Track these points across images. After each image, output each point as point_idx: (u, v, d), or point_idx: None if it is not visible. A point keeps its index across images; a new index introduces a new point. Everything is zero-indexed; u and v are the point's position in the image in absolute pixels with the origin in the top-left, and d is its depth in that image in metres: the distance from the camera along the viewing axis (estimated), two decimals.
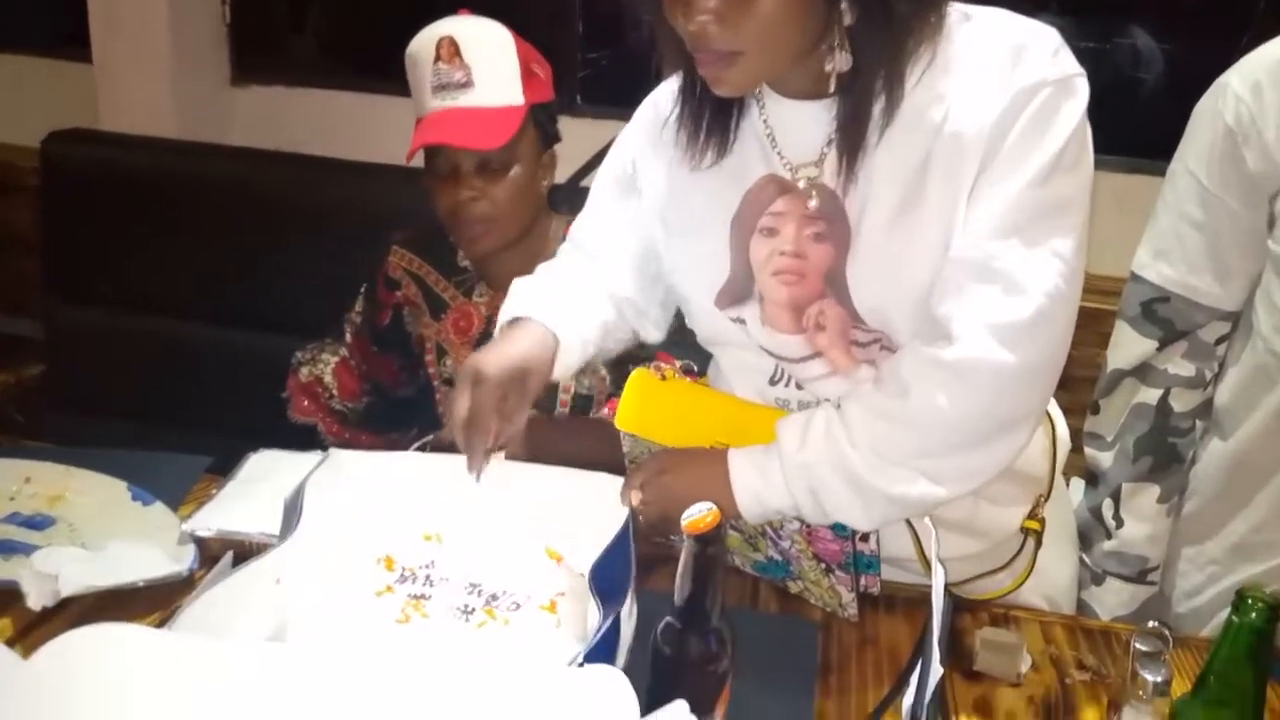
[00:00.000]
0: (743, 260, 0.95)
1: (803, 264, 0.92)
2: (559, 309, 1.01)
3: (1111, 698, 0.92)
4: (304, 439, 1.54)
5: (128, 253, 1.94)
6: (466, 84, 1.29)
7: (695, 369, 1.22)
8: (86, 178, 1.93)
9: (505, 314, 1.02)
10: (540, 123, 1.36)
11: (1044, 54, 0.84)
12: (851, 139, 0.85)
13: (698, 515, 0.72)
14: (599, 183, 1.11)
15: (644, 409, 1.03)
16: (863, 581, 1.00)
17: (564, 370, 1.01)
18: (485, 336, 1.44)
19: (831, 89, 0.85)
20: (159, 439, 1.36)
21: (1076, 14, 1.89)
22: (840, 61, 0.82)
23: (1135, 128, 1.92)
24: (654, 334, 1.14)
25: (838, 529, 0.93)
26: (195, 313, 1.94)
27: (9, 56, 2.42)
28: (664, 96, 1.01)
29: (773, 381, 0.99)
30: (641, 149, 1.03)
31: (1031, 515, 1.04)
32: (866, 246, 0.89)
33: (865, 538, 0.96)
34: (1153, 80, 2.18)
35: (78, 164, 1.94)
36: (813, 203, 0.90)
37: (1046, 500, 1.06)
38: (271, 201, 1.91)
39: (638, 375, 1.05)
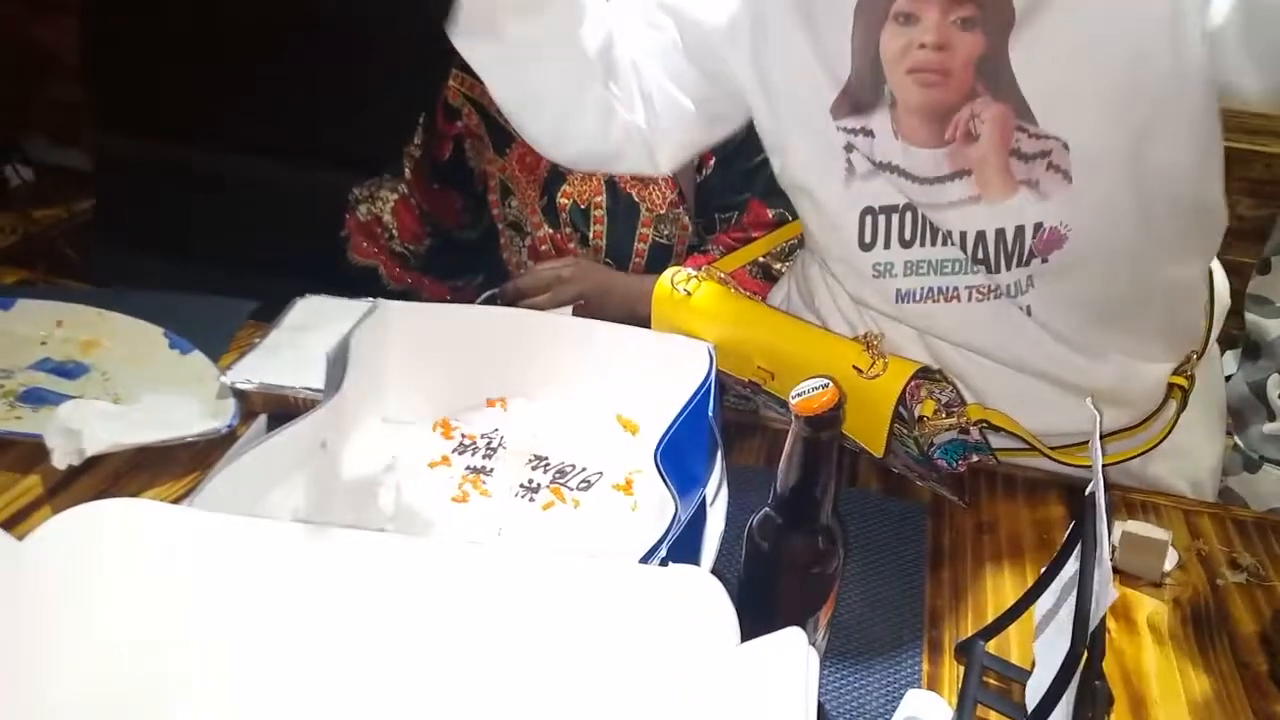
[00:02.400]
0: (869, 57, 0.77)
1: (947, 58, 0.74)
2: None
3: (1276, 605, 0.79)
4: (364, 282, 1.45)
5: (177, 79, 1.81)
6: None
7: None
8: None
9: None
10: None
11: None
12: None
13: (810, 392, 0.59)
14: None
15: (676, 324, 0.89)
16: (974, 457, 0.88)
17: None
18: (554, 175, 1.30)
19: None
20: (212, 278, 1.27)
21: None
22: None
23: None
24: (669, 154, 0.93)
25: (918, 459, 0.81)
26: (249, 144, 1.82)
27: None
28: None
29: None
30: None
31: (1179, 372, 0.90)
32: (1041, 19, 0.71)
33: (965, 430, 0.83)
34: None
35: None
36: None
37: (1199, 358, 0.91)
38: (330, 25, 1.75)
39: (658, 290, 0.90)
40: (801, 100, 0.82)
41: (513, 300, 1.27)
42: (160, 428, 0.85)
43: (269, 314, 1.10)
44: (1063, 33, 0.71)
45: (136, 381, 0.95)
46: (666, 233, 1.26)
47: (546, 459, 0.75)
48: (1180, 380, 0.90)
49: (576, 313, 1.13)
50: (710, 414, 0.76)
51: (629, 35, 0.85)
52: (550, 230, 1.31)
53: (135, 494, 0.84)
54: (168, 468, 0.86)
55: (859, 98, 0.79)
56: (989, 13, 0.72)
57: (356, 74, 1.70)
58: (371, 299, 1.02)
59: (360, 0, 1.74)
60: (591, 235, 1.29)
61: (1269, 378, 1.04)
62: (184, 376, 0.96)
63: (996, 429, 0.86)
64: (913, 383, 0.80)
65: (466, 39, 0.81)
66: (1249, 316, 1.07)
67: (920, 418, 0.80)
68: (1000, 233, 0.79)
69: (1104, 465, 0.86)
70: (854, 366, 0.79)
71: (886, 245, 0.82)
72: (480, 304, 1.32)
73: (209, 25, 1.77)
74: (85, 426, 0.82)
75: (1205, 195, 0.80)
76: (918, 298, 0.83)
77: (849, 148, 0.81)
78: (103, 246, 1.90)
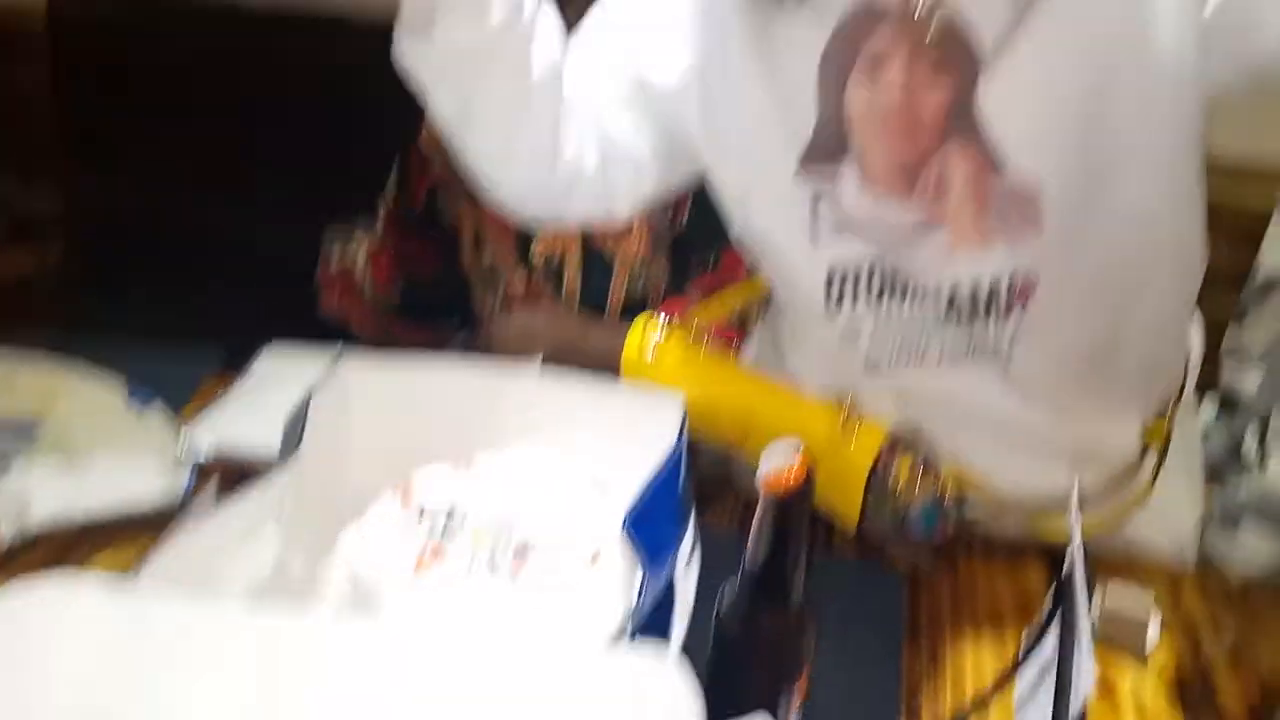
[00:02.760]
0: (834, 110, 0.76)
1: (915, 107, 0.73)
2: None
3: (1262, 677, 0.77)
4: (336, 331, 1.43)
5: (151, 121, 1.79)
6: None
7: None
8: (101, 37, 1.78)
9: None
10: None
11: None
12: None
13: (780, 460, 0.57)
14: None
15: (648, 369, 0.87)
16: (951, 522, 0.85)
17: None
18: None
19: None
20: (184, 324, 1.25)
21: None
22: None
23: None
24: (626, 200, 0.90)
25: (894, 525, 0.80)
26: (224, 189, 1.81)
27: None
28: None
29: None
30: None
31: (1156, 422, 0.88)
32: (1007, 65, 0.70)
33: (942, 495, 0.81)
34: None
35: (91, 23, 1.78)
36: (933, 24, 0.71)
37: (1176, 406, 0.89)
38: (305, 68, 1.75)
39: (627, 351, 0.89)
40: (764, 154, 0.81)
41: (486, 350, 1.25)
42: (111, 496, 0.83)
43: (239, 360, 1.08)
44: (1031, 74, 0.71)
45: (91, 440, 0.92)
46: (642, 283, 1.25)
47: (510, 528, 0.73)
48: (1158, 431, 0.88)
49: (546, 363, 1.12)
50: (682, 478, 0.74)
51: (582, 78, 0.83)
52: (523, 280, 1.30)
53: (85, 560, 0.81)
54: (122, 530, 0.84)
55: (825, 150, 0.77)
56: (957, 59, 0.72)
57: (329, 122, 1.69)
58: (340, 347, 1.00)
59: (332, 48, 1.73)
60: (565, 283, 1.27)
61: (1245, 432, 1.03)
62: (141, 434, 0.93)
63: (973, 493, 0.84)
64: (887, 447, 0.78)
65: (410, 44, 0.79)
66: (1225, 369, 1.06)
67: (895, 485, 0.78)
68: (976, 285, 0.77)
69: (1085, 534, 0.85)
70: (827, 430, 0.77)
71: (855, 305, 0.80)
72: (452, 349, 1.31)
73: (182, 72, 1.76)
74: (33, 496, 0.79)
75: (1181, 232, 0.79)
76: (888, 359, 0.81)
77: (815, 201, 0.79)
78: (72, 290, 1.87)
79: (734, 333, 1.20)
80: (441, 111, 0.82)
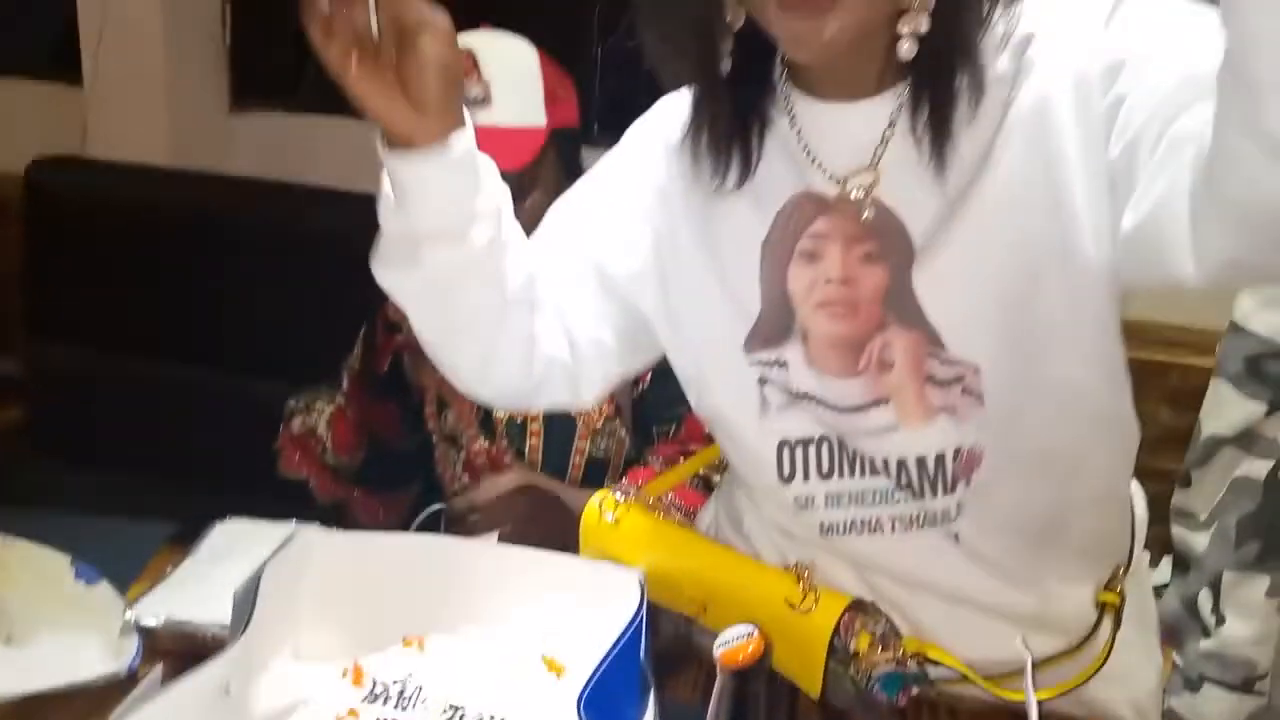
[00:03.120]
0: (777, 293, 0.79)
1: (852, 292, 0.77)
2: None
3: None
4: (294, 495, 1.41)
5: (116, 289, 1.83)
6: (484, 100, 1.17)
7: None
8: (74, 208, 1.83)
9: None
10: (562, 150, 1.23)
11: None
12: (937, 126, 0.72)
13: (734, 643, 0.57)
14: (593, 198, 0.91)
15: (605, 553, 0.87)
16: (914, 689, 0.84)
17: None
18: None
19: (906, 51, 0.71)
20: (140, 489, 1.24)
21: None
22: (920, 23, 0.69)
23: None
24: (592, 386, 0.91)
25: (856, 694, 0.79)
26: (186, 355, 1.83)
27: None
28: (667, 117, 0.86)
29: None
30: (655, 169, 0.86)
31: (1109, 587, 0.88)
32: (939, 253, 0.74)
33: (903, 663, 0.81)
34: None
35: (65, 193, 1.84)
36: (866, 214, 0.75)
37: (1126, 571, 0.90)
38: (272, 236, 1.80)
39: (586, 517, 0.90)
40: (712, 336, 0.84)
41: (462, 515, 1.24)
42: (53, 672, 0.80)
43: (193, 530, 1.06)
44: (961, 264, 0.75)
45: (35, 616, 0.89)
46: (603, 446, 1.26)
47: (463, 709, 0.71)
48: (1111, 597, 0.89)
49: (507, 531, 1.11)
50: (642, 654, 0.73)
51: (550, 273, 0.86)
52: (486, 444, 1.30)
53: None
54: (63, 711, 0.80)
55: (769, 332, 0.80)
56: (890, 248, 0.76)
57: (295, 286, 1.72)
58: (294, 521, 0.99)
59: (299, 214, 1.79)
60: (528, 449, 1.28)
61: (1199, 592, 1.04)
62: (87, 610, 0.90)
63: (934, 659, 0.84)
64: (846, 616, 0.78)
65: (387, 270, 0.79)
66: (1175, 531, 1.07)
67: (855, 652, 0.77)
68: (922, 460, 0.80)
69: (1045, 700, 0.85)
70: (785, 601, 0.78)
71: (806, 478, 0.82)
72: (421, 521, 1.29)
73: (149, 239, 1.80)
74: None
75: (1113, 410, 0.82)
76: (842, 530, 0.82)
77: (762, 380, 0.82)
78: (29, 457, 1.85)
79: (697, 496, 1.21)
80: (423, 330, 0.83)
